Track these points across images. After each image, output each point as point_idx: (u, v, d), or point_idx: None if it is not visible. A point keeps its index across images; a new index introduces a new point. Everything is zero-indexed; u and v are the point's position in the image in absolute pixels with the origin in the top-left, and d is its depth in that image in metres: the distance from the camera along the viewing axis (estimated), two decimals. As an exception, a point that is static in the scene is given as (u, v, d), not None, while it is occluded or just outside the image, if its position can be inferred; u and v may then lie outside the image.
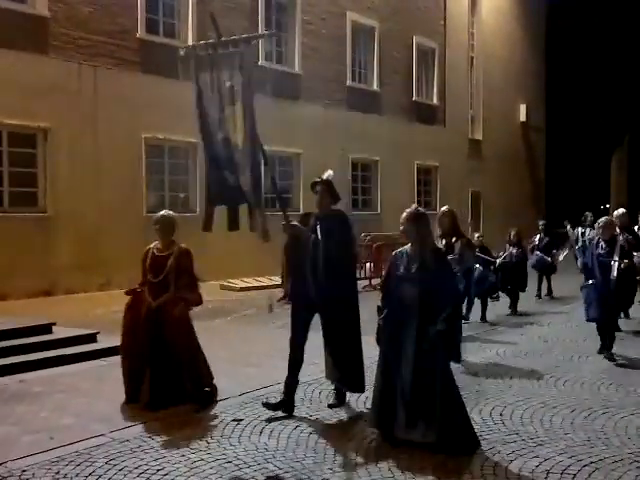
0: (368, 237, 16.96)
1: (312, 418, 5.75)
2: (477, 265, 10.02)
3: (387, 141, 20.44)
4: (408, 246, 5.23)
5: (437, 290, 4.99)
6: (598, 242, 8.10)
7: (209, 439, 5.21)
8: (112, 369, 6.58)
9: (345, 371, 5.85)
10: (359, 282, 13.81)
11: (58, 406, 6.08)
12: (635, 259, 8.47)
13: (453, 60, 24.18)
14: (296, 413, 5.81)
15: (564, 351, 8.50)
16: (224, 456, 4.87)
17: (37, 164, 13.05)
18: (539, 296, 13.63)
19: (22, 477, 4.50)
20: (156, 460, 4.78)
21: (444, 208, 8.31)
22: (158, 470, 4.61)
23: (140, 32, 14.51)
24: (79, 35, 13.46)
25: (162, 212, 6.32)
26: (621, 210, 10.23)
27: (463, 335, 8.75)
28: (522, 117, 28.81)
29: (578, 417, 5.76)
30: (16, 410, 5.98)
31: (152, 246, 6.21)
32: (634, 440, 5.20)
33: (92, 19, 13.64)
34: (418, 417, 4.95)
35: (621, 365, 7.73)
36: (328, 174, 5.95)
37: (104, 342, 8.00)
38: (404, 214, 5.21)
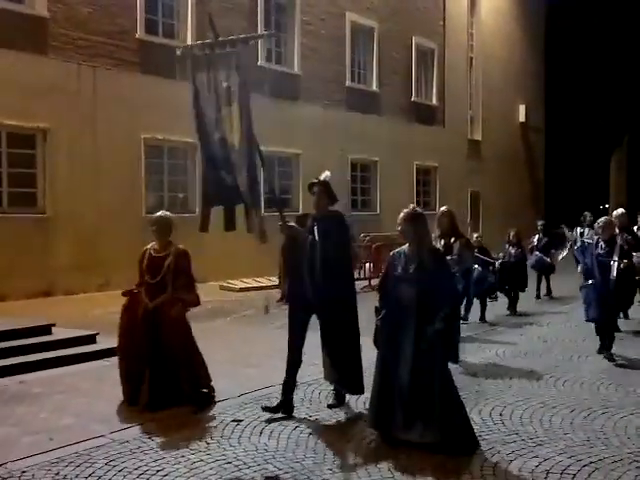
0: (367, 237, 16.96)
1: (312, 419, 5.75)
2: (476, 266, 10.03)
3: (386, 141, 20.44)
4: (406, 246, 5.23)
5: (435, 290, 4.99)
6: (597, 242, 8.11)
7: (209, 440, 5.21)
8: (112, 370, 6.57)
9: (343, 372, 5.84)
10: (358, 282, 13.86)
11: (58, 407, 6.08)
12: (634, 259, 8.47)
13: (452, 61, 24.19)
14: (296, 414, 5.81)
15: (563, 351, 8.50)
16: (224, 457, 4.87)
17: (36, 164, 13.03)
18: (538, 296, 13.64)
19: (22, 478, 4.50)
20: (156, 461, 4.78)
21: (443, 208, 8.30)
22: (158, 471, 4.61)
23: (139, 33, 14.50)
24: (78, 35, 13.45)
25: (159, 213, 6.32)
26: (620, 210, 10.23)
27: (462, 335, 8.76)
28: (521, 117, 28.81)
29: (577, 417, 5.76)
30: (16, 411, 5.98)
31: (149, 247, 6.21)
32: (633, 440, 5.21)
33: (91, 19, 13.63)
34: (417, 417, 4.95)
35: (620, 365, 7.74)
36: (325, 175, 5.95)
37: (103, 343, 7.99)
38: (402, 214, 5.21)
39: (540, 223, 14.39)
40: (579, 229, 14.36)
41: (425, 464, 4.69)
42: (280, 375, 5.93)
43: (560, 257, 14.02)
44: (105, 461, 4.77)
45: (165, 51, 14.09)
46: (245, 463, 4.76)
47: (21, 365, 7.24)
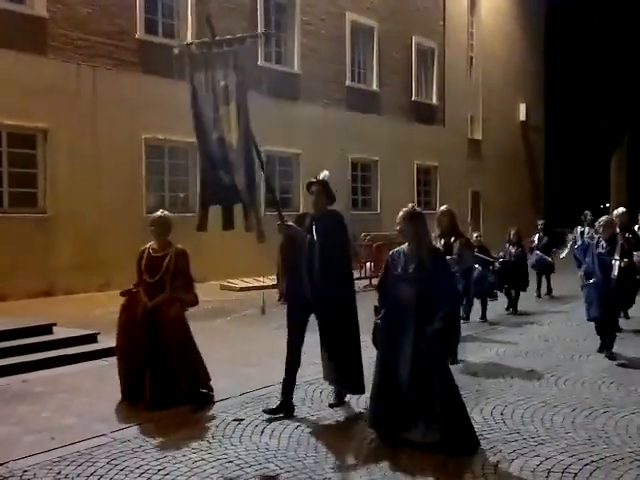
0: (368, 237, 16.97)
1: (313, 418, 5.75)
2: (476, 265, 10.02)
3: (386, 141, 20.45)
4: (405, 246, 5.21)
5: (434, 290, 4.97)
6: (598, 241, 8.11)
7: (210, 439, 5.21)
8: (113, 369, 6.57)
9: (343, 372, 5.83)
10: (359, 282, 13.90)
11: (59, 406, 6.08)
12: (635, 258, 8.47)
13: (452, 60, 24.19)
14: (297, 413, 5.81)
15: (565, 350, 8.50)
16: (225, 456, 4.87)
17: (37, 165, 13.05)
18: (539, 295, 13.64)
19: (23, 477, 4.50)
20: (157, 460, 4.78)
21: (443, 208, 8.29)
22: (159, 470, 4.61)
23: (139, 33, 14.51)
24: (78, 36, 13.45)
25: (158, 213, 6.32)
26: (621, 209, 10.22)
27: (463, 335, 8.76)
28: (522, 117, 28.83)
29: (579, 416, 5.76)
30: (17, 410, 5.98)
31: (147, 246, 6.21)
32: (635, 439, 5.20)
33: (91, 20, 13.64)
34: (417, 417, 4.94)
35: (622, 364, 7.73)
36: (324, 174, 5.94)
37: (104, 342, 7.99)
38: (400, 213, 5.19)
39: (540, 222, 14.39)
40: (579, 228, 14.37)
41: (426, 463, 4.69)
42: (280, 374, 5.93)
43: (562, 255, 14.04)
44: (106, 460, 4.77)
45: (165, 51, 14.00)
46: (246, 462, 4.76)
47: (22, 364, 7.24)
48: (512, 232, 12.29)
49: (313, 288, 5.59)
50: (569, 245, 14.20)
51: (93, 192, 13.44)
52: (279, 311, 5.90)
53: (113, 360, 6.96)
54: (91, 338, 8.29)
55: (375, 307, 5.26)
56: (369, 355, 5.93)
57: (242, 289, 14.40)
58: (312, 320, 5.84)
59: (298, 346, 5.80)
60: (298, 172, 17.77)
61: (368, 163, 20.67)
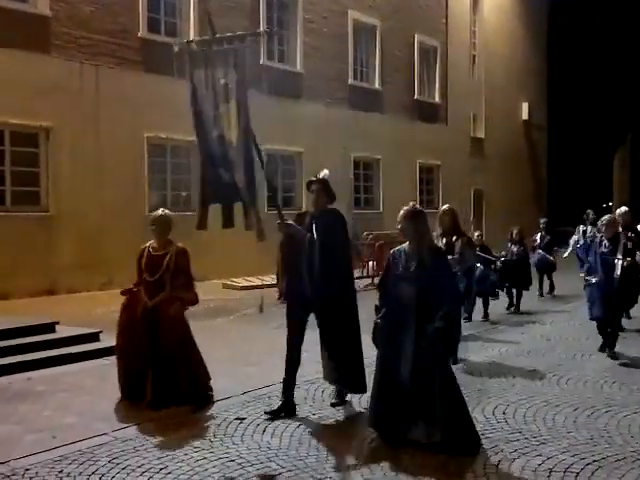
0: (370, 235, 16.97)
1: (314, 417, 5.75)
2: (478, 264, 10.00)
3: (389, 140, 20.43)
4: (406, 244, 5.20)
5: (435, 288, 4.96)
6: (601, 240, 8.09)
7: (212, 438, 5.21)
8: (114, 368, 6.55)
9: (344, 372, 5.82)
10: (361, 281, 13.92)
11: (61, 405, 6.09)
12: (637, 257, 8.44)
13: (455, 58, 24.15)
14: (298, 412, 5.81)
15: (567, 350, 8.49)
16: (227, 455, 4.87)
17: (39, 163, 13.06)
18: (541, 294, 13.63)
19: (25, 476, 4.51)
20: (159, 459, 4.78)
21: (444, 207, 8.28)
22: (161, 469, 4.61)
23: (142, 31, 14.51)
24: (81, 34, 13.46)
25: (158, 211, 6.32)
26: (624, 208, 10.19)
27: (465, 334, 8.77)
28: (524, 115, 28.78)
29: (581, 416, 5.75)
30: (19, 409, 5.99)
31: (148, 245, 6.22)
32: (637, 438, 5.20)
33: (94, 18, 13.64)
34: (418, 416, 4.93)
35: (624, 364, 7.72)
36: (324, 173, 5.93)
37: (107, 341, 7.99)
38: (401, 212, 5.17)
39: (542, 221, 14.37)
40: (581, 227, 14.34)
41: (428, 463, 4.68)
42: (280, 373, 5.92)
43: (565, 255, 14.03)
44: (108, 459, 4.78)
45: (168, 50, 13.87)
46: (248, 461, 4.76)
47: (25, 363, 7.25)
48: (514, 231, 12.27)
49: (313, 287, 5.58)
50: (571, 244, 14.17)
51: (95, 191, 13.45)
52: (279, 310, 5.89)
53: (115, 359, 6.96)
54: (93, 337, 8.30)
55: (375, 306, 5.25)
56: (371, 354, 5.94)
57: (244, 288, 14.40)
58: (312, 318, 5.84)
59: (298, 345, 5.79)
60: (301, 171, 17.76)
61: (370, 162, 20.65)
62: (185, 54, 5.61)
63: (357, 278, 13.83)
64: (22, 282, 12.20)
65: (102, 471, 4.57)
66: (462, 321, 8.65)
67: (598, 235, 8.32)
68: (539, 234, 13.94)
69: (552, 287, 13.90)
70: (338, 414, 5.86)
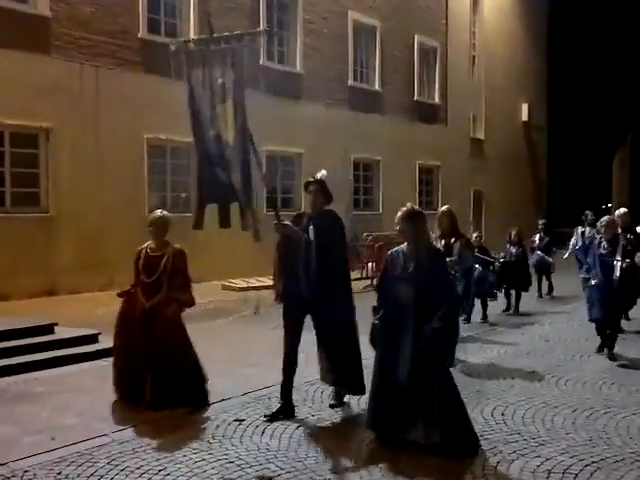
0: (370, 237, 16.97)
1: (313, 418, 5.76)
2: (476, 265, 10.01)
3: (389, 141, 20.43)
4: (404, 245, 5.19)
5: (433, 289, 4.95)
6: (600, 242, 8.09)
7: (211, 439, 5.22)
8: (114, 369, 6.59)
9: (341, 373, 5.81)
10: (361, 282, 13.92)
11: (60, 406, 6.09)
12: (637, 259, 8.44)
13: (455, 59, 24.16)
14: (297, 414, 5.81)
15: (566, 351, 8.50)
16: (226, 456, 4.87)
17: (39, 164, 13.05)
18: (540, 296, 13.63)
19: (24, 477, 4.51)
20: (158, 460, 4.79)
21: (443, 208, 8.27)
22: (160, 470, 4.62)
23: (142, 32, 14.51)
24: (81, 35, 13.46)
25: (156, 213, 6.32)
26: (623, 210, 10.18)
27: (465, 335, 8.78)
28: (524, 116, 28.78)
29: (580, 417, 5.76)
30: (18, 410, 5.99)
31: (145, 246, 6.22)
32: (636, 440, 5.20)
33: (94, 19, 13.64)
34: (417, 417, 4.92)
35: (623, 365, 7.73)
36: (321, 174, 5.92)
37: (106, 342, 7.97)
38: (399, 213, 5.17)
39: (541, 222, 14.37)
40: (580, 228, 14.34)
41: (426, 464, 4.69)
42: (279, 374, 5.92)
43: (565, 256, 14.02)
44: (107, 460, 4.78)
45: (168, 50, 14.02)
46: (247, 462, 4.76)
47: (24, 364, 7.25)
48: (513, 232, 12.27)
49: (310, 287, 5.58)
50: (571, 245, 14.18)
51: (95, 192, 13.45)
52: (277, 311, 5.89)
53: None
54: (93, 338, 8.30)
55: (373, 307, 5.25)
56: (369, 355, 5.94)
57: (243, 289, 14.39)
58: (309, 319, 5.83)
59: (295, 346, 5.78)
60: (300, 172, 17.75)
61: (370, 163, 20.66)
62: (182, 53, 5.61)
63: (356, 279, 13.91)
64: (22, 283, 12.20)
65: (101, 473, 4.58)
66: (461, 322, 8.67)
67: (597, 236, 8.32)
68: (538, 235, 13.94)
69: (551, 288, 13.90)
70: (337, 415, 5.86)
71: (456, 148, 23.91)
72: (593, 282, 8.02)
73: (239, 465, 4.72)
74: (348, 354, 5.79)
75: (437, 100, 23.48)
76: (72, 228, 13.08)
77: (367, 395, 5.48)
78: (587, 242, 8.66)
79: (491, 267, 11.04)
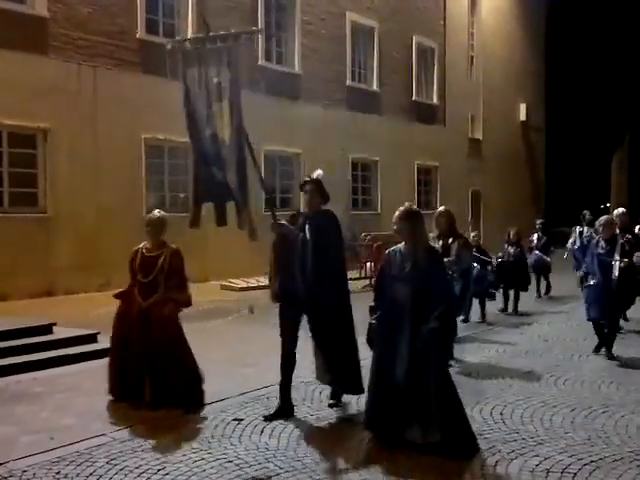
0: (368, 237, 16.98)
1: (312, 418, 5.76)
2: (475, 264, 9.99)
3: (387, 141, 20.45)
4: (402, 245, 5.17)
5: (430, 289, 4.94)
6: (598, 241, 8.10)
7: (210, 439, 5.21)
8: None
9: (338, 373, 5.80)
10: (359, 281, 13.92)
11: (58, 406, 6.09)
12: (635, 259, 8.45)
13: (453, 60, 24.19)
14: (296, 413, 5.81)
15: (564, 350, 8.50)
16: (225, 456, 4.87)
17: (37, 165, 13.05)
18: (539, 295, 13.63)
19: (23, 477, 4.50)
20: (157, 460, 4.78)
21: (440, 208, 8.27)
22: (159, 470, 4.61)
23: (140, 32, 14.51)
24: (78, 35, 13.46)
25: (154, 213, 6.32)
26: (621, 209, 10.16)
27: (463, 335, 8.78)
28: (522, 117, 28.83)
29: (578, 416, 5.76)
30: (16, 410, 5.98)
31: (141, 246, 6.22)
32: (634, 439, 5.21)
33: (91, 19, 13.64)
34: (414, 417, 4.92)
35: (621, 364, 7.73)
36: (318, 173, 5.91)
37: (104, 342, 7.95)
38: (397, 212, 5.14)
39: (539, 222, 14.38)
40: (578, 228, 14.35)
41: (426, 463, 4.69)
42: (277, 374, 5.90)
43: (565, 255, 14.03)
44: (106, 460, 4.78)
45: (165, 50, 14.07)
46: (246, 462, 4.76)
47: (22, 364, 7.24)
48: (511, 232, 12.27)
49: (306, 287, 5.57)
50: (569, 244, 14.19)
51: (93, 192, 13.45)
52: (274, 311, 5.88)
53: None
54: (91, 338, 8.29)
55: (370, 307, 5.23)
56: (367, 355, 5.94)
57: (242, 289, 14.38)
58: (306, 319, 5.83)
59: (292, 346, 5.76)
60: (299, 172, 17.75)
61: (368, 163, 20.67)
62: (178, 53, 5.60)
63: (355, 279, 13.92)
64: (20, 283, 12.19)
65: (100, 472, 4.57)
66: (459, 322, 8.67)
67: (595, 236, 8.32)
68: (536, 235, 13.95)
69: (548, 288, 13.91)
70: (336, 415, 5.86)
71: (454, 148, 23.93)
72: (591, 282, 8.03)
73: (238, 464, 4.72)
74: (344, 353, 5.76)
75: (435, 100, 23.50)
76: (70, 228, 13.07)
77: (365, 395, 5.48)
78: (585, 242, 8.66)
79: (489, 267, 11.03)
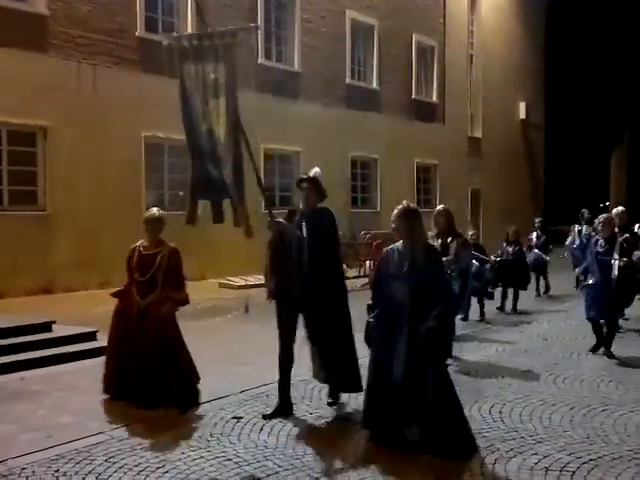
0: (368, 235, 16.98)
1: (311, 416, 5.76)
2: (473, 261, 9.97)
3: (386, 139, 20.43)
4: (400, 243, 5.15)
5: (428, 288, 4.92)
6: (597, 240, 8.09)
7: (209, 437, 5.22)
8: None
9: (334, 371, 5.79)
10: (359, 280, 13.92)
11: (57, 404, 6.09)
12: (634, 257, 8.45)
13: (452, 58, 24.17)
14: (295, 411, 5.81)
15: (563, 349, 8.51)
16: (224, 454, 4.87)
17: (37, 163, 13.04)
18: (538, 294, 13.64)
19: (22, 475, 4.51)
20: (156, 458, 4.78)
21: (439, 207, 8.25)
22: (158, 468, 4.62)
23: (139, 30, 14.49)
24: (78, 33, 13.45)
25: (153, 210, 6.31)
26: (620, 208, 10.15)
27: (462, 334, 8.78)
28: (521, 115, 28.81)
29: (577, 414, 5.76)
30: (15, 408, 5.99)
31: (138, 244, 6.21)
32: (633, 437, 5.21)
33: (91, 17, 13.63)
34: (412, 416, 4.91)
35: (620, 363, 7.74)
36: (314, 171, 5.90)
37: (103, 340, 7.94)
38: (395, 211, 5.11)
39: (538, 220, 14.37)
40: (577, 226, 14.35)
41: (424, 462, 4.69)
42: (276, 372, 5.90)
43: (566, 254, 14.04)
44: (104, 458, 4.78)
45: (161, 46, 14.05)
46: (245, 460, 4.76)
47: (21, 362, 7.24)
48: (511, 231, 12.25)
49: (302, 285, 5.56)
50: (568, 243, 14.19)
51: (93, 190, 13.44)
52: (271, 309, 5.88)
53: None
54: (90, 336, 8.29)
55: (368, 305, 5.22)
56: (365, 353, 5.93)
57: (240, 287, 14.37)
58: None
59: (290, 344, 5.75)
60: (298, 170, 17.68)
61: (368, 161, 20.66)
62: (175, 49, 5.59)
63: (354, 277, 13.91)
64: (19, 281, 12.19)
65: (98, 470, 4.58)
66: (458, 320, 8.67)
67: (594, 235, 8.32)
68: (535, 233, 13.95)
69: (547, 287, 13.91)
70: (335, 413, 5.86)
71: (454, 146, 23.92)
72: (590, 281, 8.03)
73: (237, 462, 4.72)
74: (340, 351, 5.74)
75: (435, 99, 23.49)
76: (69, 226, 13.07)
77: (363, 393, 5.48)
78: (584, 240, 8.65)
79: (488, 265, 11.02)
